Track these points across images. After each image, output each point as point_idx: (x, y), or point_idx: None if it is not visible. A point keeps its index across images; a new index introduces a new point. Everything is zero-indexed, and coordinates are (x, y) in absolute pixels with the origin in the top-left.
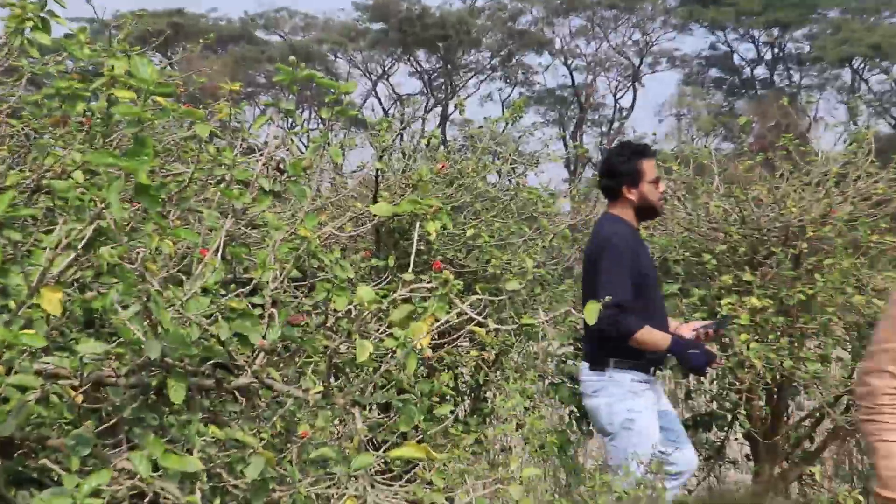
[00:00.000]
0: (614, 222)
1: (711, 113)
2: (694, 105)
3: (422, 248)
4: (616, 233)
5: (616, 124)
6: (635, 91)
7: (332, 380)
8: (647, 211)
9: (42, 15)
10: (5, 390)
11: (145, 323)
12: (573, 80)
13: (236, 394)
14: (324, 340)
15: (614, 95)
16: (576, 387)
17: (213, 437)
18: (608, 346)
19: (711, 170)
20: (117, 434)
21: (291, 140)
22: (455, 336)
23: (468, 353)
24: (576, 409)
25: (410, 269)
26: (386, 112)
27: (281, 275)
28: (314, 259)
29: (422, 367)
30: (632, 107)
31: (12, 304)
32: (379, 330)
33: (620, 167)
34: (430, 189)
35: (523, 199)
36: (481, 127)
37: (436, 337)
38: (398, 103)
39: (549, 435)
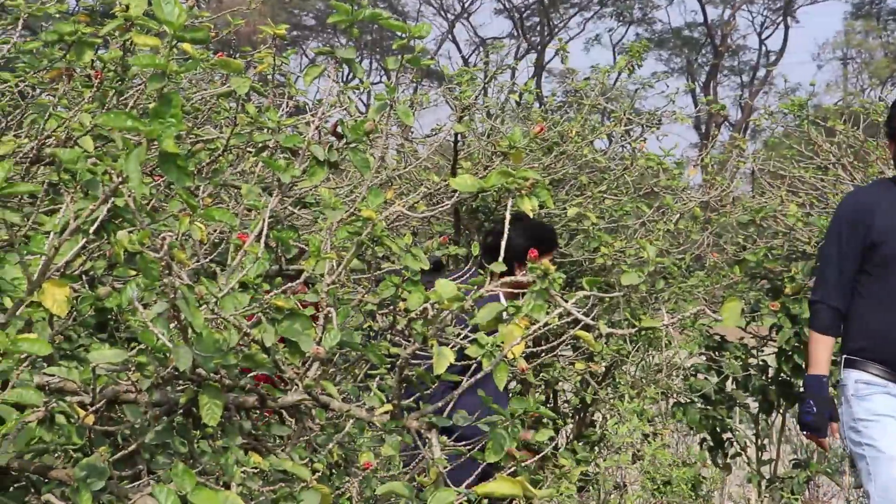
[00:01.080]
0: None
1: (890, 55)
2: (866, 45)
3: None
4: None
5: (762, 73)
6: (787, 29)
7: (402, 397)
8: None
9: None
10: (1, 409)
11: (172, 326)
12: (706, 17)
13: (284, 414)
14: (392, 348)
15: (759, 35)
16: (708, 408)
17: (255, 468)
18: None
19: None
20: (137, 463)
21: (350, 97)
22: (555, 343)
23: (572, 364)
24: (709, 437)
25: (500, 259)
26: (466, 61)
27: (339, 266)
28: (380, 246)
29: (514, 382)
30: (782, 49)
31: (8, 302)
32: (461, 335)
33: None
34: (524, 158)
35: (641, 169)
36: (587, 79)
37: (531, 344)
38: (481, 49)
39: (674, 469)
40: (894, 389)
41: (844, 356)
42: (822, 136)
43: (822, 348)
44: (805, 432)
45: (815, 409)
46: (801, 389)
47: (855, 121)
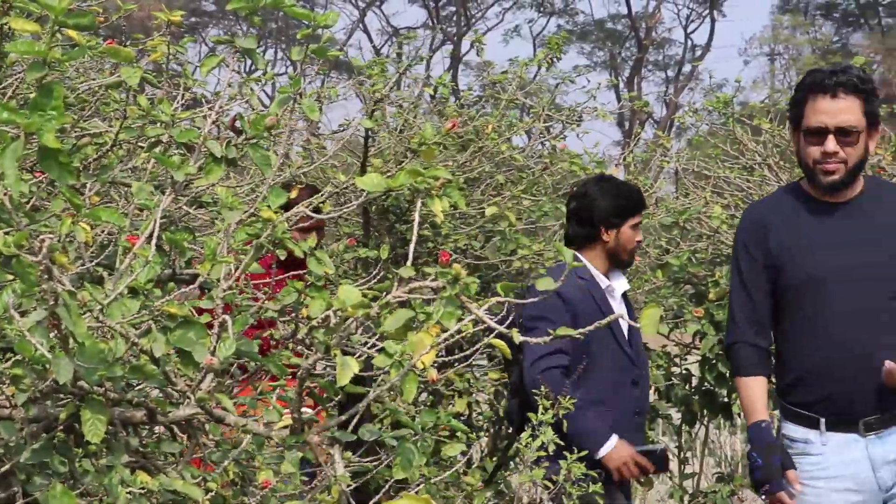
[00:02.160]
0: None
1: (817, 51)
2: (793, 41)
3: (425, 233)
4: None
5: (687, 68)
6: (713, 22)
7: (303, 410)
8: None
9: None
10: None
11: (52, 335)
12: (630, 8)
13: (175, 430)
14: (293, 358)
15: (685, 29)
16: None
17: (142, 488)
18: None
19: None
20: (11, 485)
21: (251, 89)
22: (469, 352)
23: (486, 375)
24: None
25: (409, 263)
26: (378, 52)
27: (237, 270)
28: (281, 249)
29: (424, 394)
30: (708, 44)
31: None
32: (367, 344)
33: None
34: (437, 155)
35: (561, 169)
36: (505, 72)
37: (443, 353)
38: (394, 40)
39: (591, 484)
40: (817, 443)
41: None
42: (747, 135)
43: (751, 393)
44: (762, 496)
45: (759, 460)
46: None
47: (781, 119)
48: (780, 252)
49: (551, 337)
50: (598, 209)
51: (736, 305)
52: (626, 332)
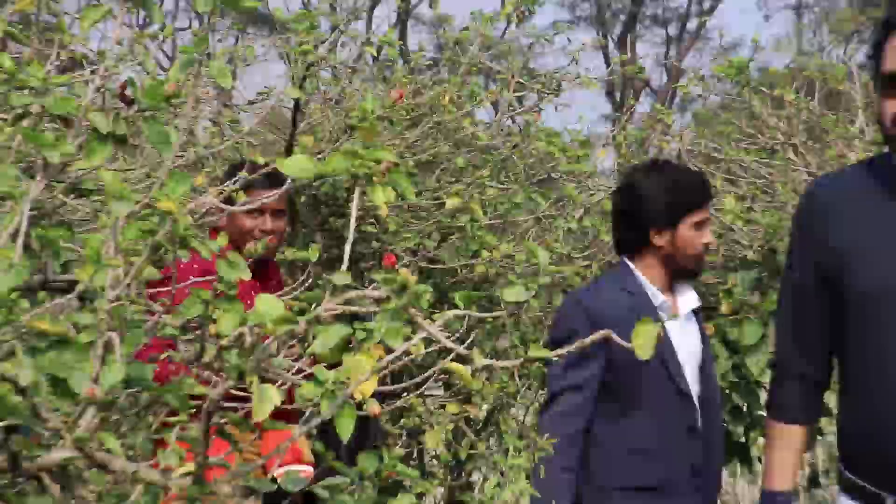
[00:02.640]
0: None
1: (856, 4)
2: None
3: (366, 230)
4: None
5: (693, 25)
6: None
7: (210, 453)
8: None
9: None
10: None
11: None
12: None
13: (44, 478)
14: (198, 386)
15: None
16: None
17: None
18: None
19: (851, 99)
20: None
21: (145, 48)
22: (420, 380)
23: (442, 408)
24: None
25: (346, 267)
26: (307, 3)
27: (127, 276)
28: (183, 249)
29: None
30: None
31: None
32: (293, 369)
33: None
34: (381, 133)
35: (536, 150)
36: (466, 29)
37: (387, 381)
38: None
39: None
40: None
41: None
42: (768, 109)
43: (780, 444)
44: None
45: None
46: None
47: (810, 89)
48: (844, 252)
49: (562, 367)
50: (646, 207)
51: (782, 318)
52: (685, 364)
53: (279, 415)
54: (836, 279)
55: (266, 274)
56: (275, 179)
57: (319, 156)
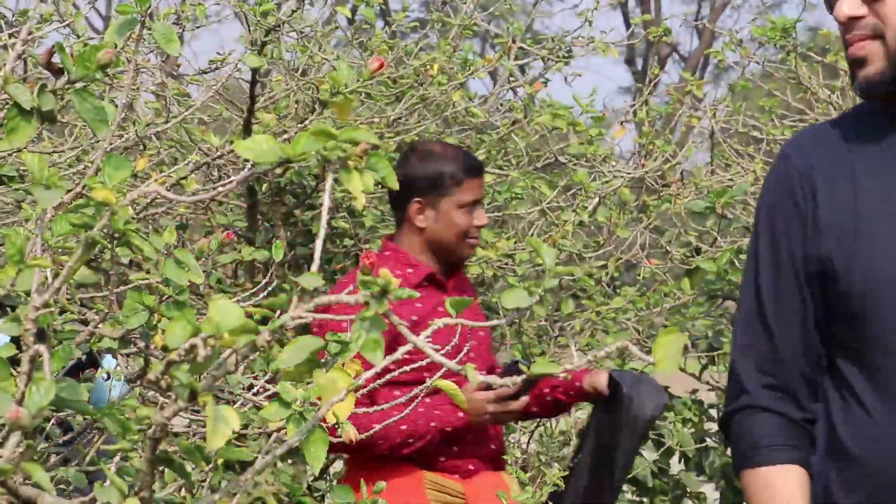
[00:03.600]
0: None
1: None
2: None
3: (340, 225)
4: None
5: None
6: None
7: (156, 485)
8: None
9: None
10: None
11: None
12: None
13: None
14: (143, 409)
15: None
16: (643, 500)
17: None
18: None
19: None
20: None
21: (75, 8)
22: (404, 400)
23: None
24: None
25: (316, 267)
26: None
27: (56, 278)
28: (123, 247)
29: (339, 462)
30: None
31: None
32: (253, 388)
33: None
34: (357, 109)
35: (541, 127)
36: None
37: (366, 402)
38: None
39: None
40: None
41: None
42: (818, 78)
43: (770, 496)
44: None
45: None
46: None
47: None
48: (842, 233)
49: None
50: None
51: (744, 337)
52: None
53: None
54: (831, 267)
55: (460, 285)
56: (480, 166)
57: (284, 137)
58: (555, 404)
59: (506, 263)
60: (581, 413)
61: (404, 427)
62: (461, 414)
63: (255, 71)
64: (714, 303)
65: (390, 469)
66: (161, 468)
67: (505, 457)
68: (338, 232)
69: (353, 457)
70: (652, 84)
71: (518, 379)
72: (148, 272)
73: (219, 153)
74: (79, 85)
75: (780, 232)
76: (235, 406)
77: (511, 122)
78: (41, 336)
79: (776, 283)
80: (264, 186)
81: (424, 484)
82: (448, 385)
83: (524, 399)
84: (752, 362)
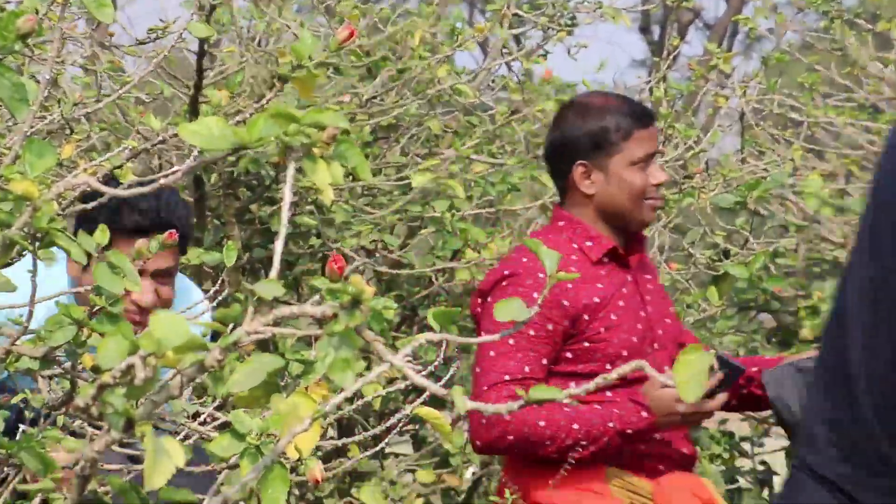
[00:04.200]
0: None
1: None
2: None
3: (304, 222)
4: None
5: None
6: None
7: None
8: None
9: None
10: None
11: None
12: None
13: None
14: (68, 441)
15: None
16: None
17: None
18: None
19: None
20: None
21: None
22: (379, 431)
23: (411, 472)
24: None
25: (275, 273)
26: None
27: None
28: (45, 248)
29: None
30: None
31: None
32: (200, 416)
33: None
34: (324, 86)
35: (540, 112)
36: None
37: (332, 434)
38: None
39: None
40: None
41: None
42: (868, 50)
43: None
44: None
45: None
46: None
47: None
48: None
49: None
50: None
51: (823, 380)
52: None
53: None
54: None
55: (643, 263)
56: (649, 113)
57: (238, 119)
58: (751, 399)
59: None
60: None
61: (576, 426)
62: (645, 414)
63: (202, 41)
64: (746, 315)
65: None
66: None
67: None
68: (302, 231)
69: (511, 465)
70: (671, 57)
71: (719, 374)
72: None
73: (160, 138)
74: None
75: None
76: (179, 438)
77: (510, 112)
78: None
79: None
80: (214, 177)
81: (608, 478)
82: (431, 414)
83: (722, 397)
84: (822, 418)
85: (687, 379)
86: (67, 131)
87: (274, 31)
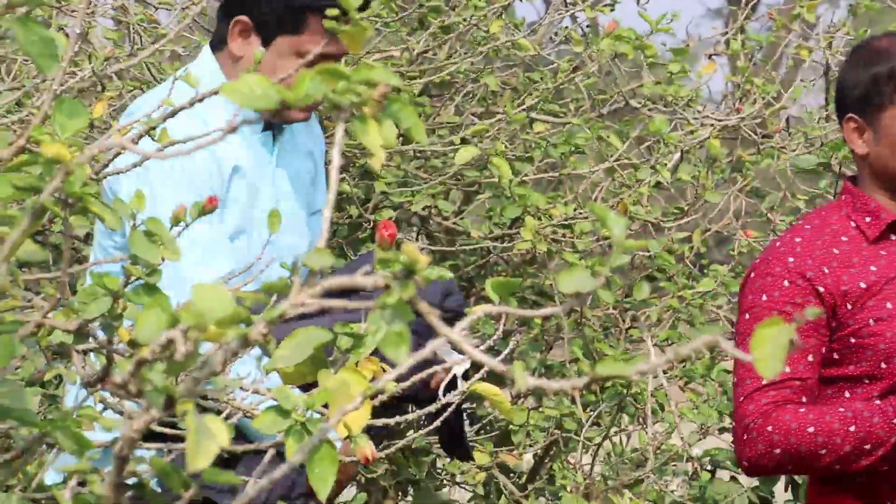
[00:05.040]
0: None
1: None
2: None
3: (344, 188)
4: None
5: None
6: None
7: None
8: None
9: None
10: None
11: None
12: None
13: None
14: (104, 419)
15: None
16: None
17: None
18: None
19: None
20: None
21: None
22: (434, 409)
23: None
24: None
25: (324, 241)
26: None
27: None
28: (79, 216)
29: (353, 484)
30: None
31: None
32: (245, 397)
33: None
34: (371, 40)
35: (601, 61)
36: None
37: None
38: None
39: None
40: None
41: None
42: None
43: None
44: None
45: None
46: None
47: None
48: None
49: None
50: None
51: None
52: None
53: None
54: None
55: None
56: None
57: (282, 77)
58: None
59: (563, 236)
60: (658, 427)
61: (853, 429)
62: None
63: None
64: None
65: (838, 493)
66: (129, 494)
67: None
68: (346, 197)
69: (811, 486)
70: (749, 6)
71: None
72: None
73: (199, 97)
74: (20, 10)
75: None
76: (223, 416)
77: (571, 69)
78: None
79: None
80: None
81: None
82: (491, 390)
83: None
84: None
85: (765, 355)
86: (99, 89)
87: None
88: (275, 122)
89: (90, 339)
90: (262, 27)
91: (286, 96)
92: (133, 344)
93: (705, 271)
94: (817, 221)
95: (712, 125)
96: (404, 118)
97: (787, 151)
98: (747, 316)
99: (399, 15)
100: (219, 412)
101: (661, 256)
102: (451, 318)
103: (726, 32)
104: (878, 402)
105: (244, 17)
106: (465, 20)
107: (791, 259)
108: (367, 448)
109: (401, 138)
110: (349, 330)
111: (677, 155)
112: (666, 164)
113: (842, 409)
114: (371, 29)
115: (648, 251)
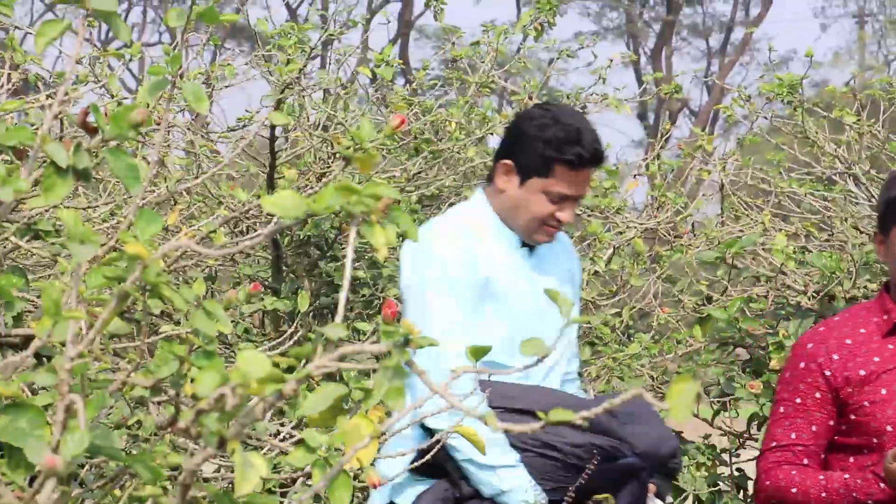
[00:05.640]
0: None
1: None
2: None
3: (361, 276)
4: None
5: (737, 35)
6: None
7: None
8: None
9: None
10: None
11: None
12: None
13: None
14: (173, 455)
15: None
16: None
17: None
18: None
19: None
20: None
21: (109, 68)
22: (426, 446)
23: None
24: None
25: (340, 317)
26: (294, 12)
27: (90, 329)
28: (155, 298)
29: None
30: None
31: None
32: (279, 434)
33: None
34: (378, 164)
35: None
36: (477, 43)
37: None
38: None
39: None
40: None
41: None
42: (824, 133)
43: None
44: None
45: None
46: None
47: (874, 110)
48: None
49: None
50: None
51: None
52: None
53: None
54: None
55: None
56: None
57: (306, 191)
58: None
59: None
60: None
61: (824, 495)
62: (883, 486)
63: (272, 128)
64: (725, 350)
65: None
66: None
67: None
68: (359, 282)
69: None
70: (664, 138)
71: None
72: (178, 323)
73: (247, 208)
74: (112, 143)
75: None
76: (263, 452)
77: None
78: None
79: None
80: (287, 239)
81: None
82: (467, 432)
83: None
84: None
85: (678, 404)
86: (172, 202)
87: (334, 119)
88: (529, 243)
89: (163, 393)
90: (521, 170)
91: (312, 208)
92: (195, 397)
93: (632, 339)
94: (847, 315)
95: (636, 228)
96: (402, 223)
97: (692, 248)
98: (779, 385)
99: (399, 144)
100: (259, 449)
101: (599, 328)
102: (665, 474)
103: (646, 158)
104: (865, 472)
105: (509, 161)
106: (448, 148)
107: (810, 345)
108: (373, 476)
109: (400, 237)
110: (361, 385)
111: (610, 250)
112: (602, 257)
113: (821, 478)
114: (378, 155)
115: (590, 324)
